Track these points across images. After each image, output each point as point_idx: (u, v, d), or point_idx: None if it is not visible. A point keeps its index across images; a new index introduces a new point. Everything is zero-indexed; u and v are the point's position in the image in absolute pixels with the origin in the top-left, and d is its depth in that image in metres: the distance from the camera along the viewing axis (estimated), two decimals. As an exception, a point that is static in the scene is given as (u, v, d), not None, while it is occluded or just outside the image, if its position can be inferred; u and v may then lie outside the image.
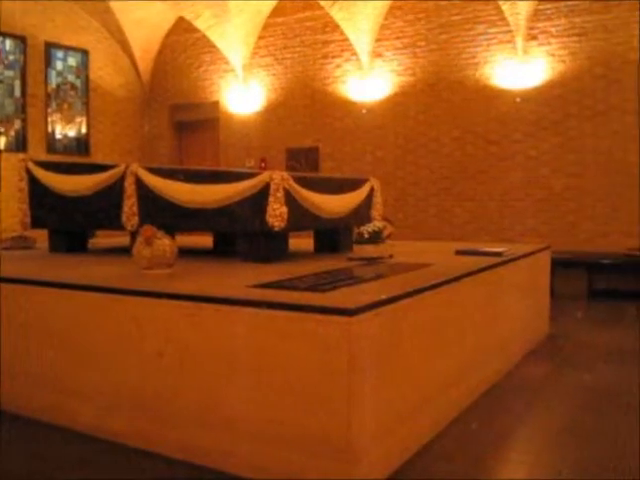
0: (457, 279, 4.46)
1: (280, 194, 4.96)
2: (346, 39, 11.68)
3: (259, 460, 3.43)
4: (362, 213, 6.19)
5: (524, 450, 4.14)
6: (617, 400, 4.91)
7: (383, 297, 3.50)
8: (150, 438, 3.82)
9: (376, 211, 6.36)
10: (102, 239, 7.63)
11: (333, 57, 12.01)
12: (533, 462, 3.88)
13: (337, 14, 11.43)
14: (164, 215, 5.48)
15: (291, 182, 5.07)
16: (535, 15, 10.34)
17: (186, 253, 5.59)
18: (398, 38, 11.42)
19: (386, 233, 5.46)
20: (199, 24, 12.49)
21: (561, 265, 9.39)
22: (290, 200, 5.09)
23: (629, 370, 5.75)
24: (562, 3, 10.15)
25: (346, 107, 11.86)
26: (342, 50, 11.87)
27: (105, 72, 13.08)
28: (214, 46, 12.79)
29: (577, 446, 4.06)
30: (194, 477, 3.53)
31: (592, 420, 4.50)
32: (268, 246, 5.25)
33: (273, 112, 12.61)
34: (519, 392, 5.14)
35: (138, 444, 3.84)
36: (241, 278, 4.33)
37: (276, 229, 4.99)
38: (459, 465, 3.73)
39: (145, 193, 5.62)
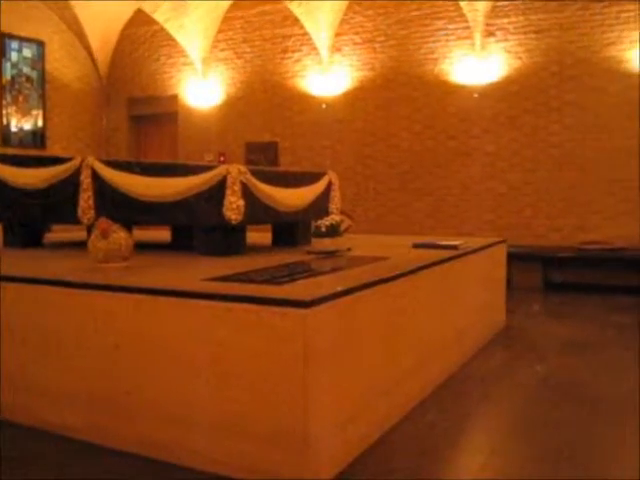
0: (413, 272, 4.50)
1: (237, 187, 4.95)
2: (306, 33, 11.68)
3: (217, 453, 3.43)
4: (320, 207, 6.20)
5: (480, 440, 4.21)
6: (571, 391, 5.01)
7: (339, 289, 3.52)
8: (106, 433, 3.79)
9: (334, 205, 6.38)
10: (58, 233, 7.53)
11: (293, 51, 12.00)
12: (489, 452, 3.94)
13: (297, 8, 11.42)
14: (121, 209, 5.42)
15: (248, 175, 5.06)
16: (493, 12, 10.45)
17: (143, 247, 5.55)
18: (358, 33, 11.45)
19: (344, 227, 5.47)
20: (157, 16, 12.37)
21: (518, 258, 9.53)
22: (247, 194, 5.09)
23: (583, 361, 5.87)
24: (519, 1, 10.29)
25: (306, 101, 11.87)
26: (302, 44, 11.86)
27: (62, 64, 12.88)
28: (173, 39, 12.69)
29: (532, 436, 4.13)
30: (152, 472, 3.51)
31: (547, 411, 4.58)
32: (225, 240, 5.24)
33: (232, 106, 12.56)
34: (475, 383, 5.21)
35: (94, 439, 3.82)
36: (197, 271, 4.32)
37: (233, 223, 4.98)
38: (414, 456, 3.77)
39: (101, 186, 5.56)
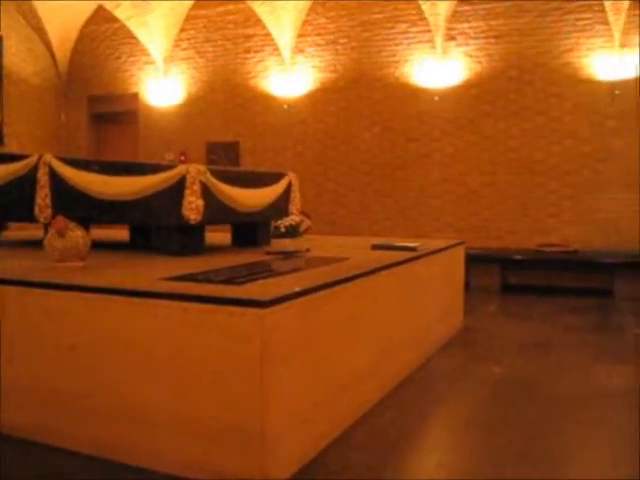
0: (371, 273, 4.54)
1: (196, 187, 4.94)
2: (268, 34, 11.68)
3: (175, 454, 3.42)
4: (280, 207, 6.21)
5: (436, 439, 4.27)
6: (527, 390, 5.09)
7: (297, 289, 3.54)
8: (63, 434, 3.75)
9: (294, 205, 6.40)
10: (15, 232, 7.43)
11: (255, 52, 11.99)
12: (445, 450, 4.00)
13: (259, 8, 11.41)
14: (78, 207, 5.38)
15: (208, 175, 5.06)
16: (454, 16, 10.56)
17: (102, 246, 5.51)
18: (320, 34, 11.48)
19: (304, 227, 5.50)
20: (119, 14, 12.25)
21: (476, 260, 9.64)
22: (207, 193, 5.08)
23: (539, 361, 5.97)
24: (480, 6, 10.41)
25: (267, 102, 11.87)
26: (264, 45, 11.85)
27: (20, 58, 12.67)
28: (134, 37, 12.58)
29: (488, 434, 4.20)
30: (108, 473, 3.49)
31: (502, 410, 4.65)
32: (184, 239, 5.22)
33: (194, 106, 12.50)
34: (432, 383, 5.27)
35: (50, 441, 3.78)
36: (155, 271, 4.30)
37: (192, 222, 4.97)
38: (372, 454, 3.81)
39: (59, 184, 5.51)
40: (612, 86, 9.77)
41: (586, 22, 9.92)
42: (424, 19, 10.64)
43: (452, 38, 10.64)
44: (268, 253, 5.37)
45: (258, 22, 11.67)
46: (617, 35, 9.68)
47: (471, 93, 10.54)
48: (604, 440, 4.16)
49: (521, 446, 3.94)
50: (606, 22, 9.73)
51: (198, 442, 3.37)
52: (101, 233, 6.86)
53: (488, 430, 4.28)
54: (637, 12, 9.58)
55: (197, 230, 5.36)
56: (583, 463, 3.78)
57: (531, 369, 5.72)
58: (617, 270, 9.41)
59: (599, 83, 9.86)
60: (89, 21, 13.26)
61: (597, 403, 4.78)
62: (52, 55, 13.28)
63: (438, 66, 10.63)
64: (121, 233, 7.04)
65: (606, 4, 9.62)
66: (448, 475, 3.65)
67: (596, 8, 9.78)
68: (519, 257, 9.84)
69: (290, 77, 11.61)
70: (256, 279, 3.93)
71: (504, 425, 4.33)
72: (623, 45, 9.70)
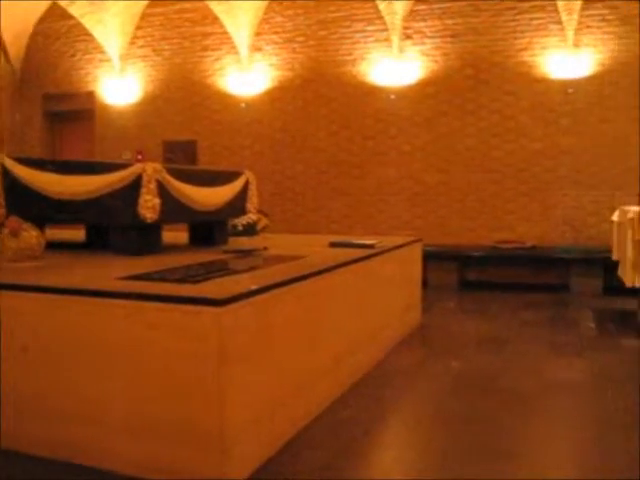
0: (328, 270, 4.55)
1: (152, 186, 4.90)
2: (225, 32, 11.62)
3: (133, 455, 3.41)
4: (237, 206, 6.19)
5: (394, 435, 4.30)
6: (484, 385, 5.16)
7: (253, 287, 3.54)
8: (17, 437, 3.70)
9: (251, 204, 6.38)
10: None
11: (212, 50, 11.92)
12: (402, 446, 4.04)
13: (216, 7, 11.36)
14: (33, 207, 5.31)
15: (164, 174, 5.03)
16: (410, 15, 10.63)
17: (57, 247, 5.45)
18: (277, 33, 11.46)
19: (261, 226, 5.49)
20: (74, 11, 12.09)
21: (434, 258, 9.73)
22: (163, 192, 5.05)
23: (495, 357, 6.04)
24: (436, 5, 10.49)
25: (225, 101, 11.81)
26: (221, 43, 11.79)
27: (-29, 56, 12.45)
28: (89, 34, 12.42)
29: (446, 429, 4.25)
30: (66, 476, 3.45)
31: (459, 404, 4.70)
32: (141, 239, 5.18)
33: (151, 104, 12.38)
34: (392, 379, 5.30)
35: (4, 444, 3.72)
36: (111, 270, 4.26)
37: (148, 221, 4.94)
38: (330, 451, 3.82)
39: (12, 184, 5.42)
40: (566, 85, 9.94)
41: (540, 22, 10.06)
42: (381, 18, 10.69)
43: (408, 37, 10.70)
44: (225, 252, 5.36)
45: (215, 20, 11.61)
46: (570, 34, 9.85)
47: (427, 92, 10.62)
48: (559, 432, 4.23)
49: (478, 440, 4.00)
50: (559, 22, 9.89)
51: (156, 442, 3.36)
52: (57, 233, 6.75)
53: (446, 425, 4.34)
54: (590, 12, 9.75)
55: (154, 229, 5.33)
56: (539, 455, 3.83)
57: (488, 364, 5.79)
58: (572, 266, 9.58)
59: (553, 82, 10.02)
60: (43, 18, 13.05)
61: (552, 396, 4.87)
62: (5, 52, 13.04)
63: (395, 65, 10.69)
64: (78, 233, 6.95)
65: (559, 4, 9.78)
66: (405, 471, 3.69)
67: (549, 8, 9.93)
68: (476, 254, 9.95)
69: (247, 75, 11.58)
70: (212, 278, 3.92)
71: (461, 420, 4.39)
72: (576, 44, 9.86)
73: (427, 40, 10.62)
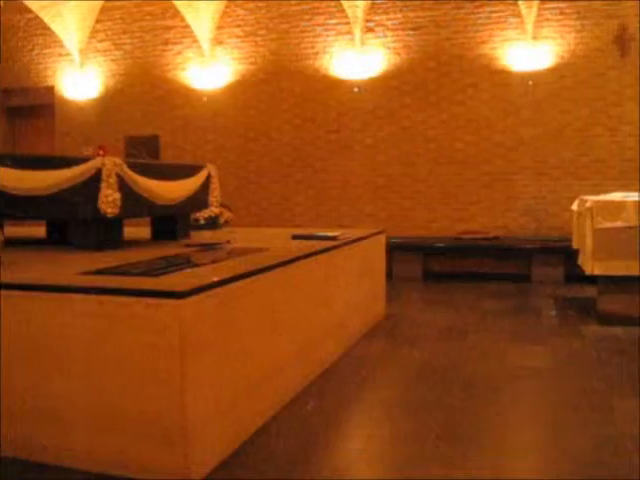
0: (291, 262, 4.56)
1: (112, 180, 4.86)
2: (187, 26, 11.54)
3: (96, 451, 3.38)
4: (199, 199, 6.17)
5: (359, 424, 4.31)
6: (448, 374, 5.20)
7: (215, 279, 3.53)
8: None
9: (213, 197, 6.35)
10: None
11: (174, 44, 11.83)
12: (368, 435, 4.06)
13: (177, 0, 11.26)
14: (-10, 203, 5.23)
15: (124, 168, 4.98)
16: (372, 8, 10.65)
17: (17, 243, 5.38)
18: (239, 26, 11.41)
19: (224, 219, 5.48)
20: (31, 4, 11.90)
21: (398, 249, 9.80)
22: (124, 186, 5.01)
23: (458, 346, 6.10)
24: (397, -2, 10.55)
25: (187, 95, 11.74)
26: (183, 37, 11.71)
27: None
28: (48, 28, 12.24)
29: (410, 418, 4.29)
30: (28, 475, 3.42)
31: (423, 394, 4.74)
32: (101, 233, 5.14)
33: (112, 99, 12.25)
34: (356, 370, 5.33)
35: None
36: (71, 266, 4.21)
37: (109, 216, 4.89)
38: (296, 441, 3.84)
39: (-31, 180, 5.33)
40: (526, 77, 10.05)
41: (500, 14, 10.16)
42: (342, 11, 10.70)
43: (370, 30, 10.73)
44: (188, 246, 5.34)
45: (176, 14, 11.52)
46: (530, 27, 9.95)
47: (390, 84, 10.66)
48: (522, 417, 4.30)
49: (441, 428, 4.03)
50: (519, 15, 9.99)
51: (119, 438, 3.34)
52: (17, 230, 6.68)
53: (410, 414, 4.37)
54: (548, 5, 9.86)
55: (115, 224, 5.29)
56: (501, 442, 3.89)
57: (451, 353, 5.84)
58: (534, 255, 9.70)
59: (513, 74, 10.12)
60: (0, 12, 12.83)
61: (514, 383, 4.94)
62: (-38, 47, 12.82)
63: (357, 58, 10.72)
64: (38, 230, 6.87)
65: (518, -4, 9.89)
66: (371, 459, 3.72)
67: (509, 1, 10.04)
68: (440, 245, 10.03)
69: (210, 69, 11.52)
70: (174, 271, 3.90)
71: (425, 408, 4.42)
72: (535, 37, 9.97)
73: (389, 33, 10.66)
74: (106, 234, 5.19)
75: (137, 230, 6.53)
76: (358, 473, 3.55)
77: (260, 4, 11.22)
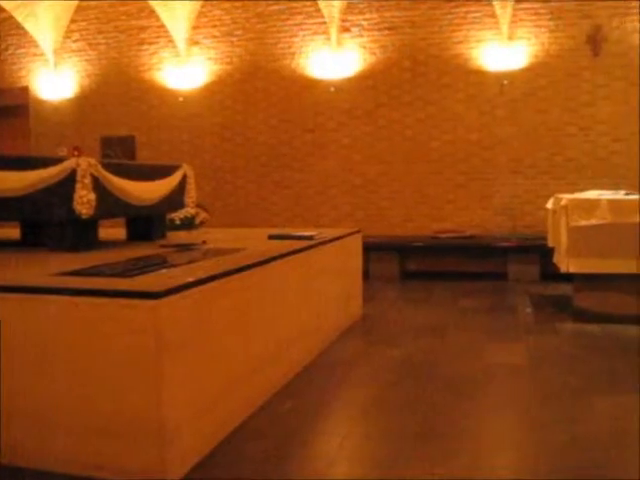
0: (267, 262, 4.56)
1: (87, 180, 4.82)
2: (162, 25, 11.48)
3: (72, 452, 3.36)
4: (175, 200, 6.14)
5: (337, 423, 4.32)
6: (425, 372, 5.23)
7: (190, 280, 3.52)
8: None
9: (189, 198, 6.32)
10: None
11: (149, 44, 11.77)
12: (345, 434, 4.05)
13: (152, 0, 11.21)
14: (-37, 205, 5.17)
15: (99, 168, 4.95)
16: (348, 8, 10.68)
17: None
18: (215, 26, 11.38)
19: (200, 220, 5.46)
20: (5, 4, 11.77)
21: (375, 249, 9.81)
22: (99, 187, 4.97)
23: (435, 344, 6.12)
24: (373, -2, 10.58)
25: (163, 95, 11.68)
26: (158, 37, 11.66)
27: None
28: (22, 28, 12.12)
29: (388, 416, 4.31)
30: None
31: (401, 392, 4.76)
32: (76, 234, 5.09)
33: (87, 99, 12.16)
34: (334, 369, 5.33)
35: None
36: (47, 267, 4.18)
37: (84, 217, 4.85)
38: (273, 441, 3.84)
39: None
40: (501, 76, 10.12)
41: (475, 15, 10.22)
42: (319, 11, 10.71)
43: (347, 30, 10.75)
44: (163, 246, 5.32)
45: (151, 13, 11.46)
46: (505, 28, 10.02)
47: (366, 84, 10.69)
48: (498, 415, 4.32)
49: (420, 426, 4.05)
50: (494, 15, 10.06)
51: (96, 439, 3.31)
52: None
53: (388, 412, 4.39)
54: (523, 6, 9.94)
55: (90, 225, 5.24)
56: (479, 439, 3.92)
57: (428, 351, 5.87)
58: (510, 253, 9.77)
59: (489, 74, 10.19)
60: (-28, 12, 12.71)
61: (491, 380, 4.97)
62: None
63: (333, 57, 10.74)
64: (12, 231, 6.81)
65: (493, -3, 9.96)
66: (349, 458, 3.72)
67: (484, 2, 10.09)
68: (417, 244, 10.06)
69: (185, 69, 11.47)
70: (149, 272, 3.89)
71: (403, 406, 4.44)
72: (510, 37, 10.05)
73: (365, 33, 10.69)
74: (81, 235, 5.15)
75: (112, 231, 6.49)
76: (336, 472, 3.55)
77: (236, 4, 11.20)
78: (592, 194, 7.08)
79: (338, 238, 6.53)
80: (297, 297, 5.25)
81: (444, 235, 10.15)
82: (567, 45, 9.89)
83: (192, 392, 3.49)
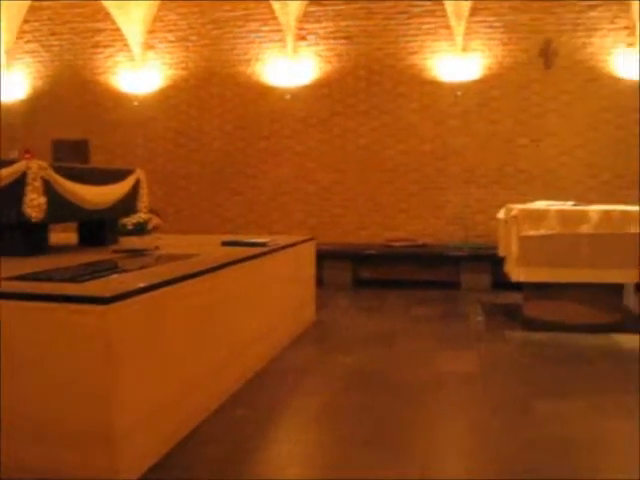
0: (219, 268, 4.55)
1: (38, 184, 4.77)
2: (117, 29, 11.37)
3: (26, 459, 3.30)
4: (127, 205, 6.08)
5: (288, 430, 4.33)
6: (376, 379, 5.28)
7: (141, 285, 3.50)
8: None
9: (142, 203, 6.28)
10: None
11: (104, 47, 11.64)
12: (297, 440, 4.07)
13: (108, 2, 11.11)
14: None
15: (50, 171, 4.90)
16: (305, 16, 10.71)
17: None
18: (171, 31, 11.31)
19: (152, 225, 5.41)
20: (-46, 3, 11.58)
21: (328, 256, 9.84)
22: (50, 190, 4.91)
23: (387, 352, 6.18)
24: (329, 7, 10.62)
25: (117, 99, 11.56)
26: (113, 40, 11.54)
27: None
28: (-28, 28, 11.91)
29: (339, 423, 4.33)
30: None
31: (351, 399, 4.80)
32: (26, 239, 5.03)
33: (39, 101, 11.96)
34: (285, 376, 5.34)
35: None
36: (-6, 271, 4.12)
37: (34, 221, 4.80)
38: (226, 448, 3.84)
39: None
40: (455, 87, 10.26)
41: (430, 26, 10.35)
42: (275, 18, 10.73)
43: (303, 38, 10.79)
44: (115, 251, 5.27)
45: (107, 16, 11.34)
46: (459, 39, 10.17)
47: (322, 92, 10.74)
48: (447, 423, 4.38)
49: (369, 433, 4.08)
50: (448, 27, 10.20)
51: (50, 446, 3.27)
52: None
53: (338, 419, 4.41)
54: (477, 18, 10.11)
55: (40, 229, 5.18)
56: (429, 446, 3.95)
57: (381, 359, 5.91)
58: (462, 262, 9.88)
59: (443, 84, 10.32)
60: None
61: (441, 387, 5.03)
62: None
63: (289, 65, 10.76)
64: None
65: (448, 10, 10.08)
66: (300, 464, 3.74)
67: (439, 13, 10.22)
68: (370, 252, 10.12)
69: (141, 74, 11.38)
70: (100, 277, 3.85)
71: (353, 414, 4.47)
72: (465, 49, 10.20)
73: (321, 41, 10.74)
74: (31, 239, 5.08)
75: (64, 236, 6.41)
76: (287, 478, 3.56)
77: (193, 9, 11.15)
78: (541, 204, 7.21)
79: (291, 245, 6.55)
80: (250, 303, 5.24)
81: (397, 244, 10.23)
82: (520, 58, 10.08)
83: (145, 398, 3.48)
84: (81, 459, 3.23)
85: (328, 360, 5.89)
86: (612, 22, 9.83)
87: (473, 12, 10.10)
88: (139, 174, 6.34)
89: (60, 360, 3.22)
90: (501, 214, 7.65)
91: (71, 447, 3.24)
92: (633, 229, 6.63)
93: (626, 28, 9.78)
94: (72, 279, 3.72)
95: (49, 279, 3.73)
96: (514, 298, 8.14)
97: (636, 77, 9.75)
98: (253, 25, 10.96)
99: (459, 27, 10.13)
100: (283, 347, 6.10)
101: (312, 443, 4.07)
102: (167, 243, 5.96)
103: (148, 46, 11.40)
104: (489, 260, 9.40)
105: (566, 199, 7.54)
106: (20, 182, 4.79)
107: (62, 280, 3.69)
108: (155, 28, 11.35)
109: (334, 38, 10.69)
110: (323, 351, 6.35)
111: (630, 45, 9.76)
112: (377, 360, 5.88)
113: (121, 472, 3.23)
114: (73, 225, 6.27)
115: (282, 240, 6.58)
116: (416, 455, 3.77)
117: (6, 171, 4.81)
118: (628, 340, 6.48)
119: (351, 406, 4.64)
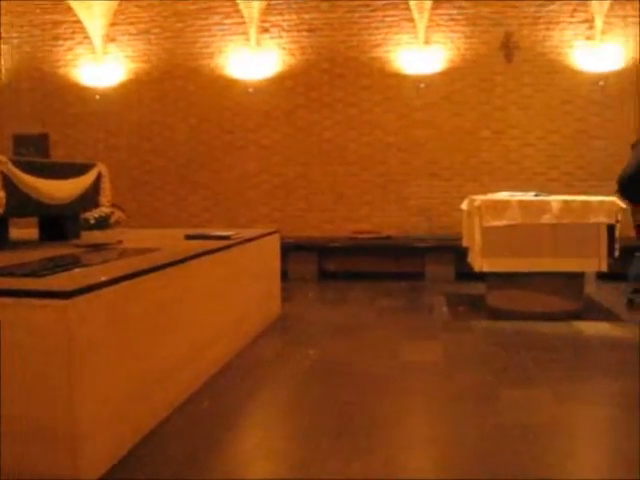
0: (182, 261, 4.52)
1: (-3, 178, 4.69)
2: (78, 21, 11.21)
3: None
4: (89, 199, 6.00)
5: (254, 423, 4.32)
6: (341, 370, 5.30)
7: (103, 279, 3.46)
8: None
9: (104, 197, 6.20)
10: None
11: (64, 39, 11.48)
12: (263, 434, 4.07)
13: (67, -6, 10.97)
14: None
15: (9, 165, 4.81)
16: (268, 9, 10.67)
17: None
18: (133, 24, 11.19)
19: (114, 219, 5.37)
20: None
21: (293, 249, 9.85)
22: (9, 185, 4.83)
23: (353, 343, 6.21)
24: (292, 0, 10.59)
25: (78, 92, 11.41)
26: (74, 32, 11.38)
27: None
28: None
29: (305, 415, 4.32)
30: None
31: (318, 390, 4.81)
32: (-15, 234, 4.96)
33: (-2, 95, 11.80)
34: (250, 369, 5.33)
35: None
36: (-48, 267, 4.05)
37: (-7, 215, 4.72)
38: (191, 441, 3.83)
39: None
40: (418, 80, 10.31)
41: (393, 19, 10.38)
42: (238, 11, 10.68)
43: (266, 30, 10.75)
44: (77, 246, 5.21)
45: (68, 9, 11.18)
46: (422, 32, 10.22)
47: (285, 85, 10.72)
48: (414, 412, 4.41)
49: (336, 425, 4.09)
50: (411, 19, 10.24)
51: (12, 444, 3.22)
52: None
53: (304, 412, 4.41)
54: (439, 11, 10.16)
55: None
56: (395, 435, 3.98)
57: (346, 350, 5.94)
58: (427, 254, 9.96)
59: (406, 77, 10.37)
60: None
61: (406, 377, 5.07)
62: None
63: (252, 58, 10.72)
64: None
65: (411, 3, 10.13)
66: (265, 458, 3.72)
67: (402, 6, 10.26)
68: (335, 245, 10.15)
69: (102, 67, 11.24)
70: (61, 271, 3.80)
71: (320, 406, 4.48)
72: (427, 42, 10.25)
73: (284, 34, 10.71)
74: (-10, 234, 5.01)
75: (25, 231, 6.32)
76: (253, 472, 3.57)
77: (154, 2, 11.04)
78: (504, 195, 7.28)
79: (255, 238, 6.53)
80: (214, 297, 5.22)
81: (362, 236, 10.27)
82: (481, 51, 10.17)
83: (107, 393, 3.44)
84: (42, 457, 3.19)
85: (294, 352, 5.89)
86: (572, 15, 9.96)
87: (435, 5, 10.16)
88: (100, 168, 6.25)
89: (21, 356, 3.18)
90: (464, 205, 7.72)
91: (32, 445, 3.20)
92: (593, 219, 6.73)
93: (585, 21, 9.92)
94: (33, 274, 3.67)
95: (9, 274, 3.67)
96: (478, 288, 8.21)
97: (596, 69, 9.90)
98: (216, 18, 10.89)
99: (422, 20, 10.18)
100: (249, 340, 6.09)
101: (278, 436, 4.08)
102: (130, 237, 5.91)
103: (110, 39, 11.27)
104: (453, 251, 9.48)
105: (528, 190, 7.62)
106: (-22, 177, 4.71)
107: (22, 275, 3.64)
108: (117, 21, 11.22)
109: (297, 31, 10.68)
110: (289, 344, 6.35)
111: (589, 38, 9.90)
112: (343, 351, 5.91)
113: (82, 470, 3.20)
114: (34, 220, 6.18)
115: (246, 233, 6.56)
116: (384, 445, 3.78)
117: (-36, 165, 4.72)
118: (589, 327, 6.59)
119: (316, 398, 4.64)
